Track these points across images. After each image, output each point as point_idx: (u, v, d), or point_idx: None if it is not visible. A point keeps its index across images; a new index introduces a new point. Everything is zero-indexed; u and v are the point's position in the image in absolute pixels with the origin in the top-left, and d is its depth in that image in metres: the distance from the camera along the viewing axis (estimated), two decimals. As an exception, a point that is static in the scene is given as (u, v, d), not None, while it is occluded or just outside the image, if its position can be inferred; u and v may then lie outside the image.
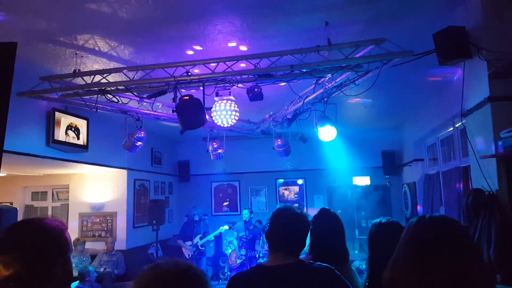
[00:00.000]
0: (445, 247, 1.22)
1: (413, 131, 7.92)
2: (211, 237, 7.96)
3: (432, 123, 6.43)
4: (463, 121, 3.58)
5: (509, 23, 3.07)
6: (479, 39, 3.16)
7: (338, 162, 9.29)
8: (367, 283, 2.22)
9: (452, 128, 5.71)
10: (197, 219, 7.90)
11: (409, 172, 8.36)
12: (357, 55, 3.93)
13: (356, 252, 8.89)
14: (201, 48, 4.32)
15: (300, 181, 10.04)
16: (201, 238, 7.81)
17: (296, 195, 10.07)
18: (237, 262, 7.41)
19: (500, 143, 2.83)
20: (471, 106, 3.38)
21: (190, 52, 4.41)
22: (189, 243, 7.76)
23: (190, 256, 7.67)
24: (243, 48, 4.34)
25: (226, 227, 8.02)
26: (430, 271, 1.19)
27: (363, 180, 9.63)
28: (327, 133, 5.28)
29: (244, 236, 7.37)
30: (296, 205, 9.40)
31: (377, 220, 2.36)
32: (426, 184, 6.90)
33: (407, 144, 8.50)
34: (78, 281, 5.83)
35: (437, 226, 1.28)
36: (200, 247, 7.77)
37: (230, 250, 7.92)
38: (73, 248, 7.32)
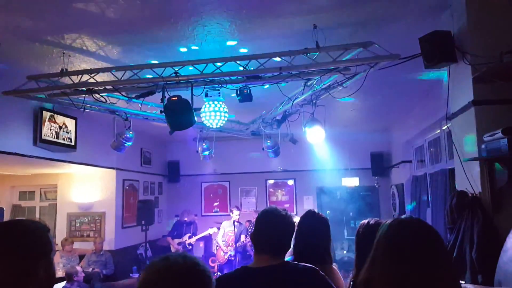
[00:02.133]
0: (417, 250, 1.28)
1: (401, 133, 8.00)
2: (198, 236, 8.20)
3: (420, 125, 6.50)
4: (448, 124, 3.63)
5: (493, 29, 3.12)
6: (464, 44, 3.21)
7: (328, 163, 9.35)
8: (351, 283, 2.25)
9: (439, 131, 5.78)
10: (186, 220, 8.10)
11: (397, 174, 8.44)
12: (345, 58, 3.96)
13: (345, 252, 8.96)
14: (189, 49, 4.32)
15: (290, 182, 10.07)
16: (189, 238, 8.04)
17: (286, 196, 10.10)
18: (225, 257, 7.66)
19: (483, 146, 2.87)
20: (456, 109, 3.42)
21: (178, 53, 4.40)
22: (177, 240, 7.93)
23: None
24: (232, 49, 4.35)
25: (215, 229, 8.19)
26: (403, 273, 1.23)
27: (352, 181, 9.70)
28: (315, 134, 5.31)
29: (231, 231, 7.68)
30: (287, 205, 9.59)
31: (365, 221, 2.40)
32: (414, 186, 6.97)
33: (396, 146, 8.58)
34: (65, 281, 5.78)
35: (410, 230, 1.34)
36: (187, 246, 7.97)
37: (218, 248, 8.07)
38: (61, 248, 7.29)
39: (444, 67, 3.47)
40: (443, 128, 5.43)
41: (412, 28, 3.73)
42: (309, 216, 2.69)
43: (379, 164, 9.27)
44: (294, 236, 2.59)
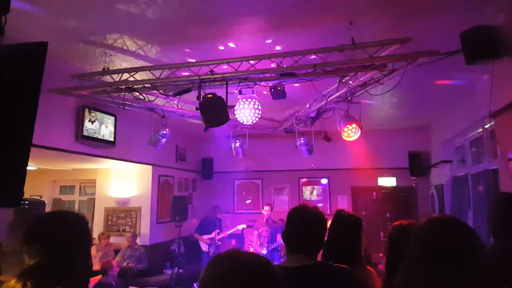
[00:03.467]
0: (457, 254, 1.21)
1: (440, 131, 7.73)
2: (228, 232, 8.15)
3: (460, 123, 6.26)
4: (491, 122, 3.49)
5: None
6: (510, 38, 3.07)
7: (363, 162, 9.18)
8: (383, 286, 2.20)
9: (481, 129, 5.55)
10: (218, 217, 8.13)
11: (437, 174, 8.16)
12: (382, 54, 3.88)
13: (381, 255, 8.75)
14: (225, 47, 4.37)
15: (324, 181, 9.95)
16: (218, 234, 8.00)
17: (319, 196, 9.99)
18: None
19: (529, 145, 2.74)
20: (500, 107, 3.28)
21: (214, 51, 4.46)
22: (206, 236, 7.92)
23: (206, 250, 7.81)
24: (267, 46, 4.36)
25: (244, 225, 8.16)
26: (440, 279, 1.18)
27: (389, 181, 9.46)
28: (350, 132, 5.24)
29: (264, 231, 7.38)
30: (320, 205, 9.37)
31: (397, 223, 2.34)
32: (454, 187, 6.72)
33: (435, 145, 8.30)
34: (101, 275, 5.94)
35: (447, 231, 1.27)
36: (217, 242, 7.95)
37: (251, 249, 7.94)
38: (98, 242, 7.53)
39: (487, 63, 3.33)
40: (486, 126, 5.21)
41: (452, 23, 3.60)
42: (337, 216, 2.65)
43: (418, 164, 8.97)
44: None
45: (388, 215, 9.19)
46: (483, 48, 3.20)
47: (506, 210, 2.88)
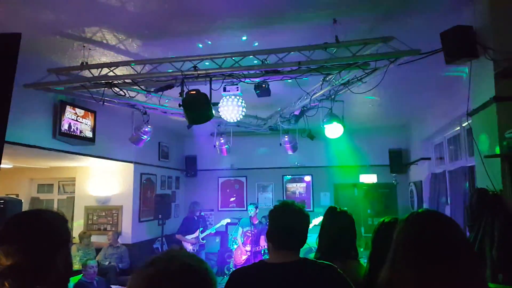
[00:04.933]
0: (444, 246, 1.22)
1: (420, 129, 7.87)
2: (213, 229, 8.08)
3: (439, 122, 6.39)
4: (469, 121, 3.56)
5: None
6: (486, 39, 3.14)
7: (345, 160, 9.28)
8: (366, 281, 2.23)
9: (459, 128, 5.67)
10: (201, 214, 8.07)
11: (416, 171, 8.32)
12: (365, 53, 3.92)
13: (362, 250, 8.85)
14: (209, 43, 4.33)
15: (307, 178, 10.02)
16: (201, 232, 7.92)
17: (303, 192, 10.04)
18: (242, 258, 7.37)
19: (505, 143, 2.81)
20: (477, 105, 3.35)
21: (197, 47, 4.42)
22: (190, 236, 7.85)
23: (191, 250, 7.76)
24: (251, 43, 4.34)
25: (228, 219, 8.13)
26: (431, 273, 1.19)
27: (370, 178, 9.60)
28: (333, 130, 5.28)
29: (249, 231, 7.35)
30: (303, 201, 9.42)
31: (383, 219, 2.37)
32: (433, 183, 6.86)
33: (415, 143, 8.45)
34: (82, 275, 5.83)
35: (433, 224, 1.28)
36: (201, 240, 7.89)
37: (235, 246, 7.92)
38: (79, 241, 7.40)
39: (465, 62, 3.40)
40: (463, 125, 5.33)
41: (433, 23, 3.66)
42: (331, 212, 2.67)
43: (398, 161, 9.15)
44: (318, 233, 2.60)
45: (369, 210, 9.34)
46: (461, 48, 3.27)
47: (481, 206, 2.96)
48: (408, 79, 5.46)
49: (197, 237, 7.87)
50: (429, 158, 7.39)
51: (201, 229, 7.93)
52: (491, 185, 3.00)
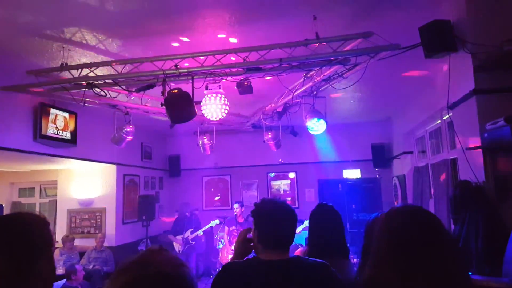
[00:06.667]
0: (427, 242, 1.22)
1: (402, 123, 7.99)
2: (200, 232, 7.98)
3: (420, 115, 6.49)
4: (449, 114, 3.62)
5: (493, 17, 3.10)
6: (464, 33, 3.20)
7: (329, 155, 9.36)
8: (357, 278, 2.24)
9: (440, 121, 5.77)
10: (188, 214, 7.97)
11: (399, 165, 8.43)
12: (345, 49, 3.95)
13: (347, 245, 8.93)
14: (189, 41, 4.30)
15: (291, 175, 10.06)
16: (191, 233, 7.85)
17: (287, 189, 10.07)
18: (229, 258, 7.31)
19: (485, 135, 2.87)
20: (456, 98, 3.42)
21: (178, 45, 4.38)
22: (179, 237, 7.78)
23: (180, 251, 7.70)
24: (233, 41, 4.33)
25: (217, 221, 8.05)
26: (413, 270, 1.19)
27: (353, 173, 9.69)
28: (316, 126, 5.31)
29: (235, 230, 7.32)
30: (288, 198, 9.42)
31: (375, 214, 2.39)
32: (416, 177, 6.97)
33: (397, 137, 8.56)
34: (65, 279, 5.71)
35: (414, 219, 1.28)
36: (190, 241, 7.80)
37: (221, 245, 7.90)
38: (62, 245, 7.26)
39: (444, 56, 3.45)
40: (444, 118, 5.42)
41: (412, 18, 3.71)
42: (320, 210, 2.67)
43: (381, 156, 9.24)
44: (309, 230, 2.60)
45: (353, 206, 9.43)
46: (439, 42, 3.32)
47: (465, 198, 3.01)
48: (389, 74, 5.53)
49: (186, 238, 7.80)
50: (411, 152, 7.50)
51: (191, 229, 7.86)
52: (473, 177, 3.06)
